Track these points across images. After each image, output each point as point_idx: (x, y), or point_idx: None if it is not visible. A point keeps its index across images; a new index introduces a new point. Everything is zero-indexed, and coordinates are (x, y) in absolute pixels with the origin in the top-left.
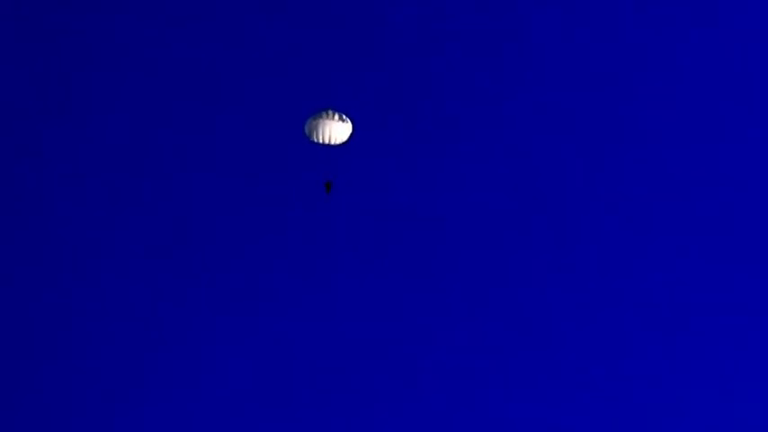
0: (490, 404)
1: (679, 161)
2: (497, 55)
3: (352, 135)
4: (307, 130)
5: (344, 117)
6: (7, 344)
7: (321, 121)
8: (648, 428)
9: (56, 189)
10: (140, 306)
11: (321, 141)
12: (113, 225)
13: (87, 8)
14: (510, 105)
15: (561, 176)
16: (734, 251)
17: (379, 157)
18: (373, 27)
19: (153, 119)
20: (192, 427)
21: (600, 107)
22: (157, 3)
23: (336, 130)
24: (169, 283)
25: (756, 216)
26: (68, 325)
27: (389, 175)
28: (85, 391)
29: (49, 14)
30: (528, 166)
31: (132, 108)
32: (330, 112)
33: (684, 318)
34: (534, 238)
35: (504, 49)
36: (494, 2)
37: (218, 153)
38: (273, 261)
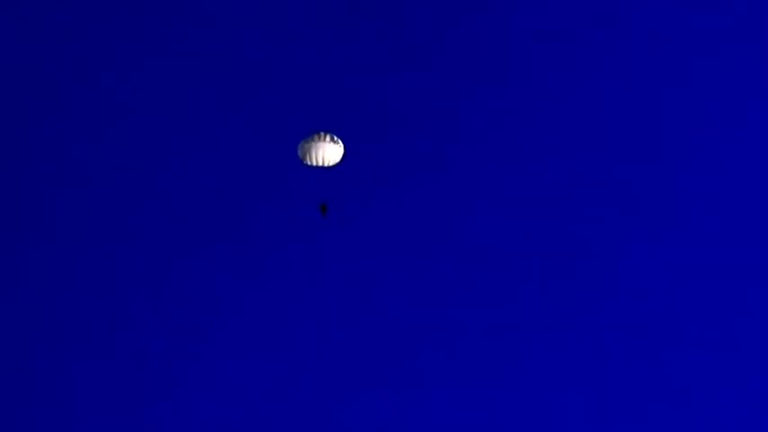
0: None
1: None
2: (490, 76)
3: (344, 156)
4: (300, 154)
5: (336, 139)
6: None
7: (314, 143)
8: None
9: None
10: (135, 330)
11: (314, 164)
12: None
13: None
14: (504, 125)
15: (563, 190)
16: None
17: (371, 177)
18: (364, 49)
19: (148, 136)
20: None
21: (607, 139)
22: (140, 34)
23: (329, 152)
24: (162, 304)
25: None
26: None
27: (383, 196)
28: (87, 393)
29: (51, 15)
30: (522, 188)
31: (124, 129)
32: (322, 135)
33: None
34: (529, 259)
35: (497, 70)
36: (489, 26)
37: (209, 179)
38: (269, 284)
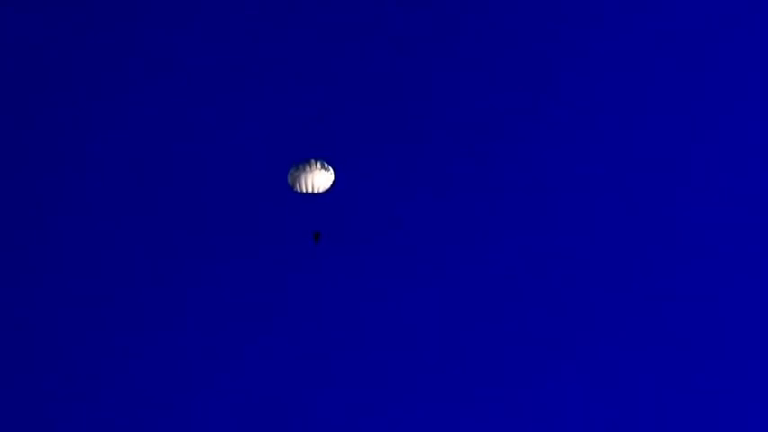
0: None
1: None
2: (480, 99)
3: (334, 183)
4: (290, 181)
5: (326, 165)
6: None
7: (303, 171)
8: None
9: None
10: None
11: (304, 191)
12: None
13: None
14: (493, 150)
15: (561, 200)
16: None
17: (361, 203)
18: (354, 76)
19: (142, 153)
20: None
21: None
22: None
23: (319, 179)
24: (155, 337)
25: None
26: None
27: (373, 221)
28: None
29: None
30: (514, 207)
31: (115, 159)
32: (312, 162)
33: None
34: (526, 270)
35: (486, 94)
36: (477, 47)
37: (201, 206)
38: (263, 311)
